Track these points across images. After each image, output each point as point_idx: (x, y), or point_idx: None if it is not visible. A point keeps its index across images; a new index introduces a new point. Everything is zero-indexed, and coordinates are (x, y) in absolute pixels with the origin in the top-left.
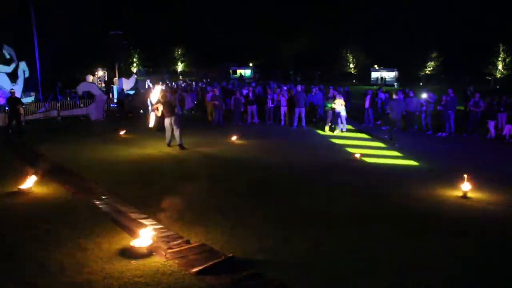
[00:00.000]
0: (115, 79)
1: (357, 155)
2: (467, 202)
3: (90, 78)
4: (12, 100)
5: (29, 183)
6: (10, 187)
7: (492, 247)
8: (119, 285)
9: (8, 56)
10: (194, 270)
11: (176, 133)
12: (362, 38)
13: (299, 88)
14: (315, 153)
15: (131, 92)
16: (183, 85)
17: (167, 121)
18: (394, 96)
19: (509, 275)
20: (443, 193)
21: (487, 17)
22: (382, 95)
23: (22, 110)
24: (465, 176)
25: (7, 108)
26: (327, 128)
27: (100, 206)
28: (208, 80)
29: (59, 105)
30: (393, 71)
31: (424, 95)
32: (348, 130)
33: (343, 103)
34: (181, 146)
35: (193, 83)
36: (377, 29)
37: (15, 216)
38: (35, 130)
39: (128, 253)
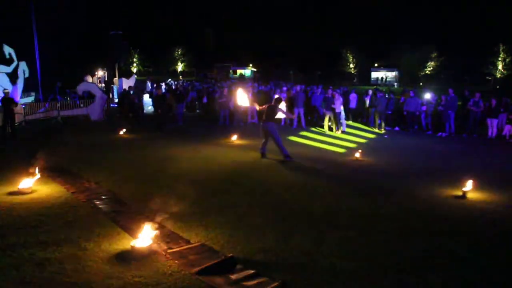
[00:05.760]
0: (115, 79)
1: (357, 155)
2: (467, 202)
3: (89, 78)
4: (6, 100)
5: (29, 183)
6: (10, 187)
7: (491, 247)
8: (119, 285)
9: (8, 56)
10: (194, 270)
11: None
12: (362, 38)
13: (298, 88)
14: (315, 153)
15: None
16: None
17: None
18: (379, 94)
19: (510, 274)
20: (443, 193)
21: (487, 17)
22: (380, 95)
23: (21, 110)
24: (466, 177)
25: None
26: (326, 128)
27: (100, 206)
28: (219, 84)
29: (59, 105)
30: (393, 71)
31: (427, 95)
32: (347, 130)
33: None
34: (286, 156)
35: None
36: (377, 29)
37: (15, 216)
38: (35, 130)
39: (128, 253)
